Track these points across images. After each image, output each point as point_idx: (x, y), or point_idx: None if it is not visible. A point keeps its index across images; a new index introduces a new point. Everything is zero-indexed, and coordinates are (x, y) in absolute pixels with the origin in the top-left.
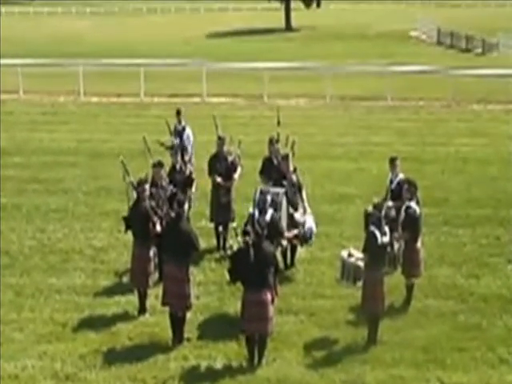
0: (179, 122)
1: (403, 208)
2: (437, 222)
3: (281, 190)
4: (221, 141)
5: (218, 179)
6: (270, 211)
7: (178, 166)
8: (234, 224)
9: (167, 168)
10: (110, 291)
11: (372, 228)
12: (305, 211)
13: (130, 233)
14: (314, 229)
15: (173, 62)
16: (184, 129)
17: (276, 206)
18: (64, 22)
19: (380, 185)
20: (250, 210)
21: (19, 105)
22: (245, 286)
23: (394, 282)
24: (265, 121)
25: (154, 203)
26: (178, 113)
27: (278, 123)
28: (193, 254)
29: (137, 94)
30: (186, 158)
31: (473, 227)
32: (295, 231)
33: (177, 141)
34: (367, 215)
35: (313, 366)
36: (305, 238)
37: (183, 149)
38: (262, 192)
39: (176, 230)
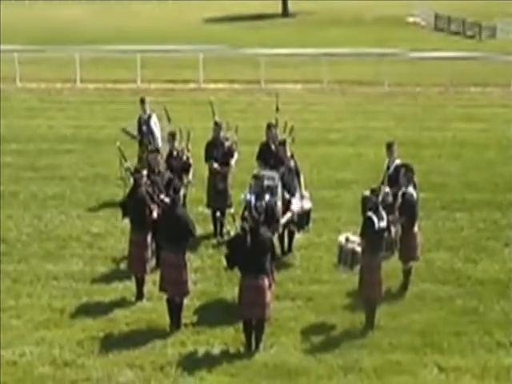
0: (144, 111)
1: (400, 193)
2: (434, 207)
3: (276, 174)
4: (217, 127)
5: (215, 165)
6: (266, 197)
7: (175, 152)
8: (232, 210)
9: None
10: (107, 277)
11: (369, 213)
12: (302, 197)
13: (127, 219)
14: (309, 207)
15: (169, 48)
16: (149, 117)
17: (272, 190)
18: (60, 9)
19: (377, 170)
20: (242, 196)
21: (16, 92)
22: (242, 272)
23: (391, 266)
24: (262, 107)
25: (150, 189)
26: (143, 101)
27: (277, 109)
28: (189, 240)
29: (133, 80)
30: (152, 147)
31: (470, 211)
32: (289, 214)
33: (143, 130)
34: (364, 200)
35: (310, 352)
36: (301, 224)
37: (150, 138)
38: (257, 177)
39: (172, 216)
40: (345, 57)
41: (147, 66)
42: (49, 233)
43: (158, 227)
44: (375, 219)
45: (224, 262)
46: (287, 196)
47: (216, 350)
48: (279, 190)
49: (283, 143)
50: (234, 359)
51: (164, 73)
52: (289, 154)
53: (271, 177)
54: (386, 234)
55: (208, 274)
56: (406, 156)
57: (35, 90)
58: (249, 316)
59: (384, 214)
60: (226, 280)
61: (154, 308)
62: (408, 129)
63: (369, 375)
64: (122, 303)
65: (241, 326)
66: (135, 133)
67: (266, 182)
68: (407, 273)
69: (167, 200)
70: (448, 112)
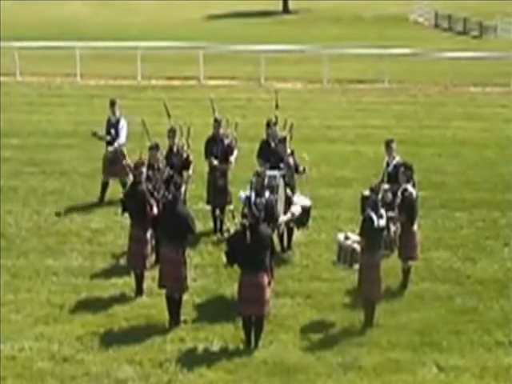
0: (113, 113)
1: (400, 191)
2: (433, 205)
3: (278, 173)
4: (217, 123)
5: (215, 162)
6: (266, 194)
7: (175, 149)
8: (231, 207)
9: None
10: (106, 273)
11: (368, 211)
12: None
13: (126, 215)
14: (309, 205)
15: (170, 45)
16: (118, 120)
17: (272, 188)
18: (62, 6)
19: (377, 168)
20: (239, 194)
21: (16, 87)
22: (241, 269)
23: (390, 265)
24: (262, 103)
25: (150, 186)
26: (112, 104)
27: (277, 106)
28: (189, 237)
29: (134, 76)
30: (118, 148)
31: (469, 210)
32: (289, 215)
33: (114, 131)
34: (364, 198)
35: (309, 349)
36: (301, 221)
37: (115, 140)
38: (258, 175)
39: (172, 213)
40: (345, 54)
41: (148, 62)
42: (48, 228)
43: (158, 223)
44: (374, 217)
45: (224, 259)
46: (289, 193)
47: (215, 347)
48: (281, 189)
49: (283, 140)
50: (233, 356)
51: (164, 69)
52: (289, 151)
53: (273, 175)
54: (385, 233)
55: (208, 271)
56: (405, 154)
57: (35, 84)
58: (248, 313)
59: (383, 212)
60: (225, 277)
61: (153, 304)
62: (408, 127)
63: (368, 373)
64: (121, 299)
65: (240, 322)
66: (103, 134)
67: (266, 180)
68: (406, 271)
69: (168, 196)
70: (448, 111)
